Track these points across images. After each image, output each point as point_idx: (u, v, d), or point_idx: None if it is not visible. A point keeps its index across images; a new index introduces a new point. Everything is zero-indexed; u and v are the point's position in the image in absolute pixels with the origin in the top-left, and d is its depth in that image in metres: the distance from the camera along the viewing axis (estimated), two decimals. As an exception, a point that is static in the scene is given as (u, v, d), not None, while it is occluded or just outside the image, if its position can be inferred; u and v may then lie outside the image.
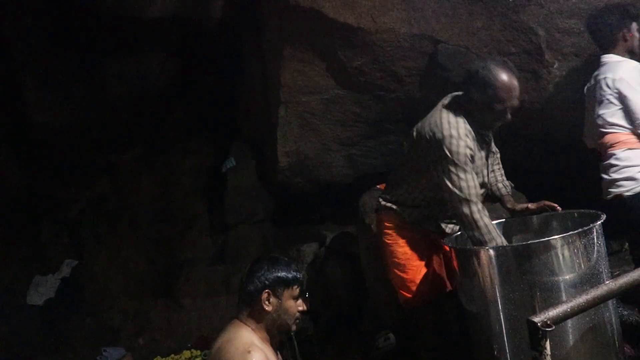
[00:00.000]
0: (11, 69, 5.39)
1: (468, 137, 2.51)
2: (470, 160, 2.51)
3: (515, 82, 2.50)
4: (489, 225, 2.46)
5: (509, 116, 2.54)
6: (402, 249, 2.86)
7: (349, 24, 3.79)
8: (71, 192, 5.83)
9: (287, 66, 4.17)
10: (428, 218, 2.83)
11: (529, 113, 4.05)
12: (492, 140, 2.83)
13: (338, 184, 4.88)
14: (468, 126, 2.53)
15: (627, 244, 3.53)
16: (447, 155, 2.48)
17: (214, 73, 5.68)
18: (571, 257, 2.19)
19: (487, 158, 2.72)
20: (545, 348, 1.54)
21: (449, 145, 2.48)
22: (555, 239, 2.20)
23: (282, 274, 2.12)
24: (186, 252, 5.38)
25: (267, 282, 2.09)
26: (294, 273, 2.15)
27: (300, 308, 2.16)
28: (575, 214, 2.64)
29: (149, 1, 4.90)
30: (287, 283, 2.12)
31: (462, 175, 2.47)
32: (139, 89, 5.66)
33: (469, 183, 2.47)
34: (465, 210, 2.46)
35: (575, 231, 2.23)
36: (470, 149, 2.50)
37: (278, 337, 2.18)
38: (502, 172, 3.00)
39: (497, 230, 2.50)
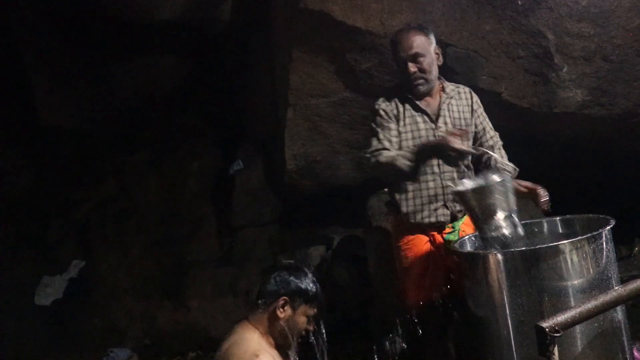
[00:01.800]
0: (21, 70, 5.42)
1: (385, 102, 2.88)
2: (390, 118, 2.85)
3: (405, 32, 2.83)
4: (391, 156, 2.77)
5: (411, 68, 2.76)
6: (405, 252, 2.88)
7: (357, 26, 3.79)
8: (79, 193, 5.86)
9: (296, 69, 4.17)
10: (422, 206, 2.83)
11: (537, 116, 4.04)
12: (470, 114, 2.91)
13: (346, 187, 4.87)
14: (392, 97, 2.89)
15: (636, 248, 3.51)
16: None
17: (222, 75, 5.69)
18: (580, 262, 2.17)
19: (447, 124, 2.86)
20: (554, 354, 1.53)
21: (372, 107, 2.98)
22: (564, 243, 2.18)
23: (306, 288, 2.11)
24: (193, 253, 5.38)
25: (289, 289, 2.09)
26: (318, 294, 2.14)
27: (309, 327, 2.15)
28: (584, 219, 2.62)
29: (158, 4, 4.91)
30: (307, 299, 2.11)
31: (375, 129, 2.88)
32: (147, 90, 5.68)
33: (378, 136, 2.84)
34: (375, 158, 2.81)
35: (584, 236, 2.21)
36: (385, 110, 2.86)
37: (283, 345, 2.17)
38: (499, 153, 2.93)
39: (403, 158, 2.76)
